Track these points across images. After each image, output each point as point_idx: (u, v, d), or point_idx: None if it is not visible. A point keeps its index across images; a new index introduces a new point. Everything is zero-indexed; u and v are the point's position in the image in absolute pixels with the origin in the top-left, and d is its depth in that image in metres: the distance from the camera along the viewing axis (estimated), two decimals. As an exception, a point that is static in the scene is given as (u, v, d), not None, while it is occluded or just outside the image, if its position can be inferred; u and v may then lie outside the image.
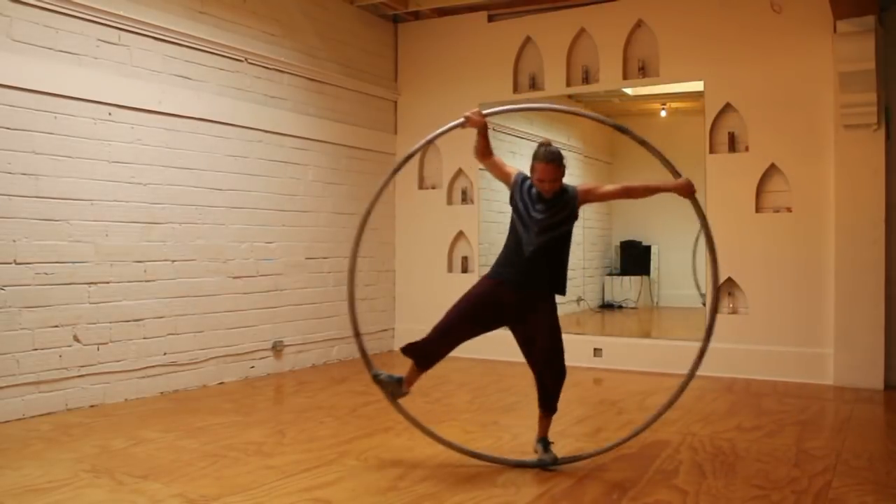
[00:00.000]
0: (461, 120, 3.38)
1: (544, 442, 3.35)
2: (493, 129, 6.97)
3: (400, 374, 3.39)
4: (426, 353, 3.35)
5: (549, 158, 3.24)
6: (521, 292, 3.28)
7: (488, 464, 3.35)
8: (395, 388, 3.36)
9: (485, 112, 3.41)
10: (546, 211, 3.26)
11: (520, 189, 3.34)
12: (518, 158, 7.47)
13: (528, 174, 3.33)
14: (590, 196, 3.35)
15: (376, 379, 3.36)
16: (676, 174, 3.33)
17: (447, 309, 3.36)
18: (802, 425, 4.11)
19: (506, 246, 3.37)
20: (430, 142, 3.62)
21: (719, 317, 5.69)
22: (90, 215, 4.48)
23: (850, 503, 2.84)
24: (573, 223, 3.33)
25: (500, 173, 3.46)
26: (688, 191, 3.27)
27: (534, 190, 3.30)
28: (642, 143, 3.33)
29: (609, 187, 3.39)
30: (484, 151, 3.44)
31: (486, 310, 3.30)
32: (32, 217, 4.20)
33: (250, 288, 5.54)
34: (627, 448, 3.58)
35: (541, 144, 3.33)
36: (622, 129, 3.41)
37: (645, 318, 7.88)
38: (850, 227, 5.21)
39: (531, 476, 3.16)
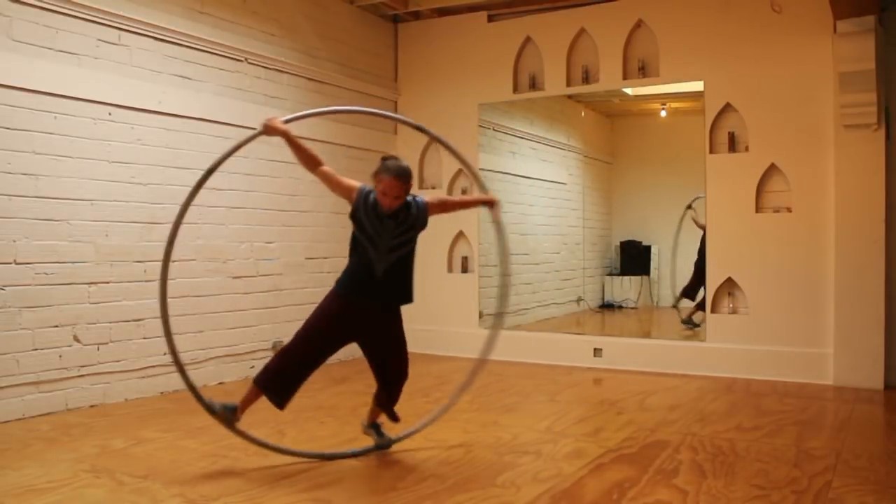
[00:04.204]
0: (259, 130, 3.21)
1: (377, 427, 3.52)
2: (493, 129, 7.03)
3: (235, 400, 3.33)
4: (285, 388, 3.27)
5: (399, 173, 3.12)
6: (373, 310, 3.27)
7: (486, 464, 3.35)
8: (229, 417, 3.27)
9: (285, 119, 3.26)
10: (395, 229, 3.19)
11: (364, 204, 3.18)
12: (518, 159, 7.48)
13: (373, 187, 3.18)
14: (438, 209, 3.38)
15: (211, 412, 3.26)
16: (483, 188, 3.72)
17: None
18: (802, 425, 4.11)
19: (353, 263, 3.27)
20: (226, 157, 3.30)
21: (719, 317, 5.74)
22: (90, 215, 4.48)
23: (850, 503, 2.84)
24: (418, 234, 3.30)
25: (338, 186, 3.25)
26: (493, 204, 3.53)
27: (379, 206, 3.16)
28: (439, 141, 3.65)
29: (450, 199, 3.88)
30: (307, 161, 3.26)
31: (340, 332, 3.28)
32: (32, 217, 4.20)
33: (250, 288, 5.54)
34: (627, 448, 3.59)
35: (388, 158, 3.22)
36: (420, 129, 3.62)
37: (645, 318, 7.88)
38: (850, 227, 5.21)
39: (531, 476, 3.16)
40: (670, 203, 7.29)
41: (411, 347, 3.48)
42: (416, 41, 6.99)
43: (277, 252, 5.78)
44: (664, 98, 7.21)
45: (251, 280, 5.55)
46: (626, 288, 8.09)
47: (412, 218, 3.24)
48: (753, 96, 5.59)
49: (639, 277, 8.02)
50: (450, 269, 6.77)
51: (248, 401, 3.32)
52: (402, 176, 3.14)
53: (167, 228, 4.87)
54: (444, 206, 3.53)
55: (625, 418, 4.27)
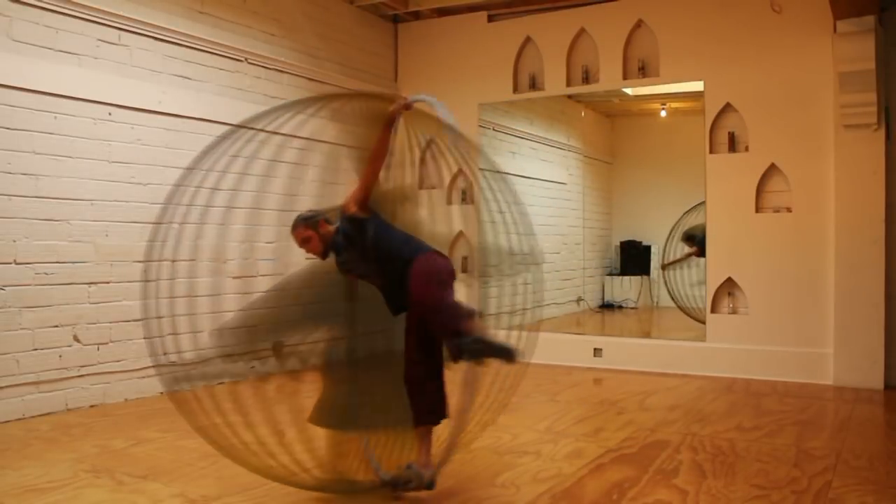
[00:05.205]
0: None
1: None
2: (493, 129, 7.03)
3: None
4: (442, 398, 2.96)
5: (292, 228, 3.29)
6: None
7: (486, 464, 3.35)
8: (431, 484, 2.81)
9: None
10: (342, 264, 3.21)
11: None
12: (518, 159, 7.48)
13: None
14: (361, 198, 3.17)
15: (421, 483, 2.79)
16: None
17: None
18: (802, 425, 4.11)
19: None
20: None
21: (719, 317, 5.74)
22: (90, 215, 4.48)
23: (850, 503, 2.84)
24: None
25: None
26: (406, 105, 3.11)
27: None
28: None
29: (359, 182, 3.25)
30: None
31: None
32: (32, 217, 4.20)
33: (250, 288, 5.53)
34: (627, 448, 3.59)
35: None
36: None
37: (645, 318, 7.88)
38: (850, 227, 5.21)
39: (531, 476, 3.16)
40: (670, 203, 7.29)
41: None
42: (416, 41, 6.98)
43: (277, 252, 5.77)
44: (664, 98, 7.20)
45: (251, 280, 5.55)
46: (626, 288, 8.09)
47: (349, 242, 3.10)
48: (753, 96, 5.59)
49: (639, 277, 8.01)
50: (450, 269, 6.76)
51: (427, 445, 2.93)
52: (293, 228, 3.30)
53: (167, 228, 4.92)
54: (363, 190, 3.18)
55: (625, 418, 4.27)
